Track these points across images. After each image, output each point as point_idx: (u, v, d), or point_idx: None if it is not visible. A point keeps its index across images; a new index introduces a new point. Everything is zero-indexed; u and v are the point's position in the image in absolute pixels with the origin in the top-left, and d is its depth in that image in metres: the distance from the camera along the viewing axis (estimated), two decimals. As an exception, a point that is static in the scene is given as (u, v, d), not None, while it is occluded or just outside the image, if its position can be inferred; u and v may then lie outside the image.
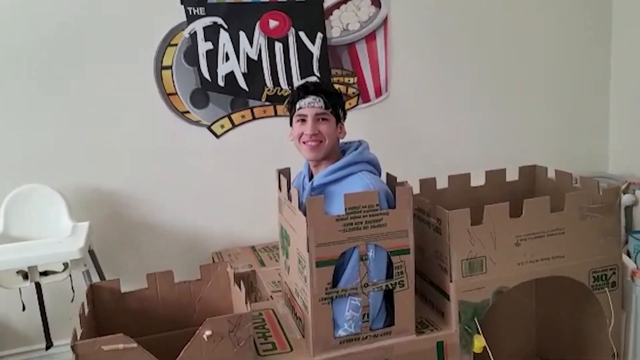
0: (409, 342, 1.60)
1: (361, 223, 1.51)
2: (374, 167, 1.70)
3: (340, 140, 1.75)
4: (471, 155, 2.86)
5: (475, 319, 1.64)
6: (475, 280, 1.63)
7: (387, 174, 1.72)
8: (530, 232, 1.66)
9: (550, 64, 2.99)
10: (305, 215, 1.47)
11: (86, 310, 1.57)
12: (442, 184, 1.98)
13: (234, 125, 2.61)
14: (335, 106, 1.70)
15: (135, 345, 1.38)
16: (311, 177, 1.74)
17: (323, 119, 1.68)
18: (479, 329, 1.64)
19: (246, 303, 1.53)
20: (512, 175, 2.06)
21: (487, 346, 1.63)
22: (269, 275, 2.29)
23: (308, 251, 1.48)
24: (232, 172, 2.62)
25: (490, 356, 1.61)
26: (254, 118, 2.63)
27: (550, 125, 3.05)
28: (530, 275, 1.68)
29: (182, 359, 1.42)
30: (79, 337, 1.40)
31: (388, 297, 1.61)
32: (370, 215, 1.51)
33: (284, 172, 1.78)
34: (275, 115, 2.64)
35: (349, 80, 2.72)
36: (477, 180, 2.02)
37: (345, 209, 1.49)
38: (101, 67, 2.39)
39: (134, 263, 2.50)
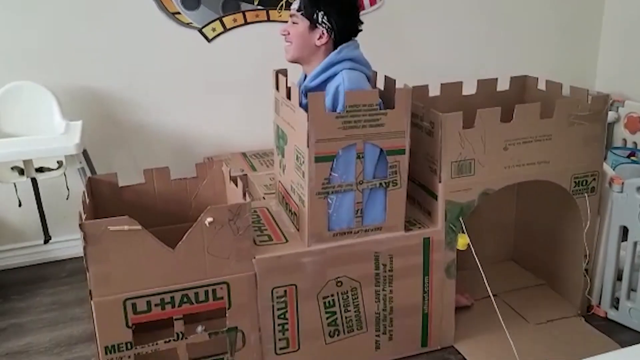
0: (398, 238, 1.69)
1: (360, 121, 1.55)
2: (359, 63, 1.69)
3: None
4: (463, 65, 2.86)
5: (461, 219, 1.73)
6: (463, 182, 1.70)
7: (385, 77, 1.74)
8: (519, 137, 1.72)
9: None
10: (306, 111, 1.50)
11: (87, 200, 1.62)
12: (434, 92, 2.02)
13: (225, 29, 2.56)
14: (311, 9, 1.66)
15: (139, 227, 1.44)
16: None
17: (293, 22, 1.71)
18: (464, 227, 1.73)
19: (244, 195, 1.59)
20: (503, 86, 2.10)
21: (470, 244, 1.73)
22: (260, 180, 2.34)
23: (308, 146, 1.52)
24: (223, 78, 2.61)
25: (474, 253, 1.72)
26: (245, 22, 2.58)
27: (541, 39, 3.05)
28: (515, 178, 1.77)
29: (185, 243, 1.49)
30: (84, 219, 1.45)
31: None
32: (369, 115, 1.55)
33: (282, 72, 1.79)
34: (268, 20, 2.59)
35: (344, -13, 2.66)
36: (469, 89, 2.06)
37: (346, 106, 1.52)
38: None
39: (126, 164, 2.52)
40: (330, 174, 1.58)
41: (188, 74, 2.55)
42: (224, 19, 2.55)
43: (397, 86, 1.61)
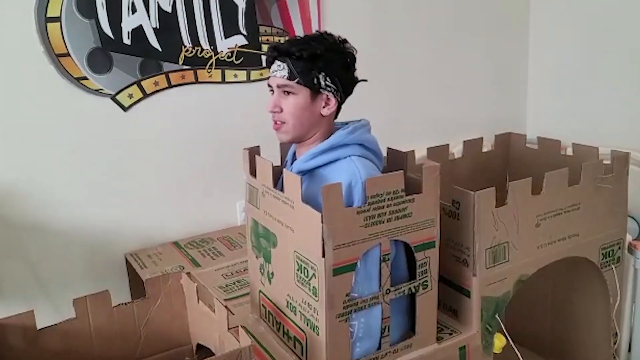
0: (431, 353, 1.33)
1: (384, 214, 1.18)
2: (370, 151, 1.34)
3: (342, 120, 1.39)
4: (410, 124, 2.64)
5: (497, 316, 1.41)
6: (498, 271, 1.40)
7: (391, 150, 1.40)
8: (550, 209, 1.46)
9: (469, 35, 2.85)
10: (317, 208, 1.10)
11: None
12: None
13: (145, 95, 2.09)
14: (308, 73, 1.27)
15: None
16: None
17: (287, 92, 1.30)
18: (502, 326, 1.41)
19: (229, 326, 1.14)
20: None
21: (512, 344, 1.41)
22: (211, 279, 1.86)
23: (323, 256, 1.12)
24: (144, 153, 2.11)
25: (517, 353, 1.40)
26: (170, 85, 2.12)
27: (471, 90, 2.92)
28: (549, 258, 1.49)
29: None
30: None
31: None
32: (394, 204, 1.19)
33: (255, 152, 1.38)
34: (196, 82, 2.16)
35: (279, 40, 2.32)
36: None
37: (367, 197, 1.15)
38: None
39: (21, 276, 1.91)
40: (351, 287, 1.18)
41: (99, 152, 2.02)
42: (142, 83, 2.07)
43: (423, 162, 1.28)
